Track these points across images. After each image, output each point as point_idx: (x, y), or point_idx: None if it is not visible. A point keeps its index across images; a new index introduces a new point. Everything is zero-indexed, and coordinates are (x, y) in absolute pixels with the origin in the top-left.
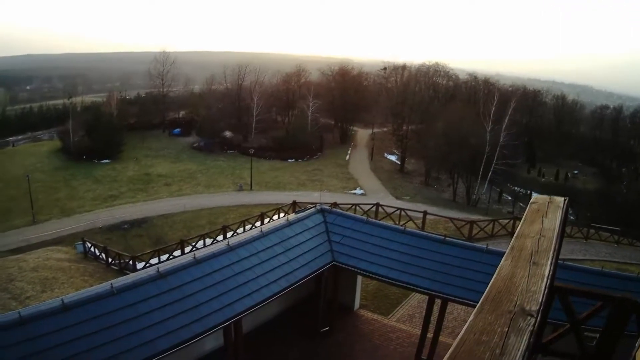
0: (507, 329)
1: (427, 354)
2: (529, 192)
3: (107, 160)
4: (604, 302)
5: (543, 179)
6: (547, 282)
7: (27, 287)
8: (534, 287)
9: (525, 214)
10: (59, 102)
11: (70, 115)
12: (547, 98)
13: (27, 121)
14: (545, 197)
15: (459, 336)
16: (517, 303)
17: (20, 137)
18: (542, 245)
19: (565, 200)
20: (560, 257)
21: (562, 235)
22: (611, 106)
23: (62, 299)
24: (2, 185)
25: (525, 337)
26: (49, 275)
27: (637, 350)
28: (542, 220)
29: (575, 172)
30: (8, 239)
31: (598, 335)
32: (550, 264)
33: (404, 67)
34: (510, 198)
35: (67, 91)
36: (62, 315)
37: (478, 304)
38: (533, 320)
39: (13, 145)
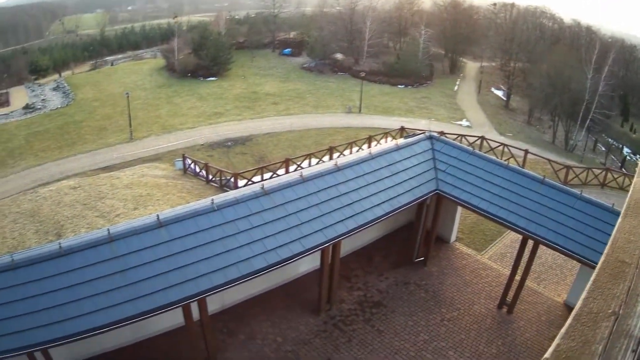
0: None
1: (511, 296)
2: (620, 146)
3: (213, 78)
4: None
5: (634, 135)
6: None
7: (118, 204)
8: None
9: None
10: (163, 21)
11: (176, 34)
12: None
13: (128, 40)
14: None
15: (612, 236)
16: None
17: (120, 56)
18: None
19: None
20: None
21: None
22: None
23: (157, 215)
24: (98, 104)
25: None
26: (143, 192)
27: None
28: None
29: None
30: (100, 157)
31: None
32: None
33: (512, 4)
34: (604, 149)
35: (172, 11)
36: (156, 232)
37: (622, 210)
38: None
39: (112, 64)
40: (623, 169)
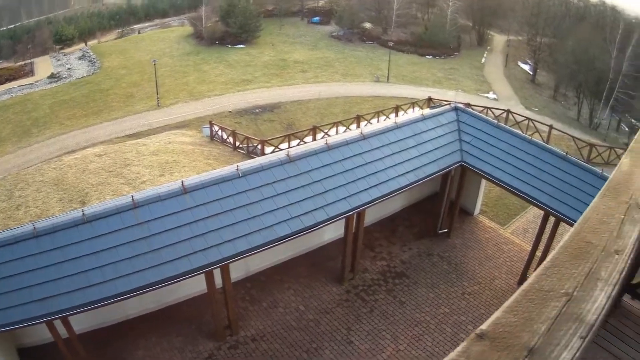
0: (623, 217)
1: (532, 273)
2: None
3: (241, 46)
4: None
5: None
6: None
7: (144, 171)
8: None
9: None
10: None
11: (204, 2)
12: None
13: (155, 8)
14: None
15: (583, 215)
16: (632, 197)
17: (147, 24)
18: None
19: None
20: None
21: None
22: None
23: (181, 182)
24: (125, 72)
25: (637, 228)
26: (169, 159)
27: None
28: None
29: None
30: (127, 124)
31: None
32: None
33: None
34: (627, 129)
35: None
36: (180, 199)
37: (601, 189)
38: None
39: (139, 33)
40: None
